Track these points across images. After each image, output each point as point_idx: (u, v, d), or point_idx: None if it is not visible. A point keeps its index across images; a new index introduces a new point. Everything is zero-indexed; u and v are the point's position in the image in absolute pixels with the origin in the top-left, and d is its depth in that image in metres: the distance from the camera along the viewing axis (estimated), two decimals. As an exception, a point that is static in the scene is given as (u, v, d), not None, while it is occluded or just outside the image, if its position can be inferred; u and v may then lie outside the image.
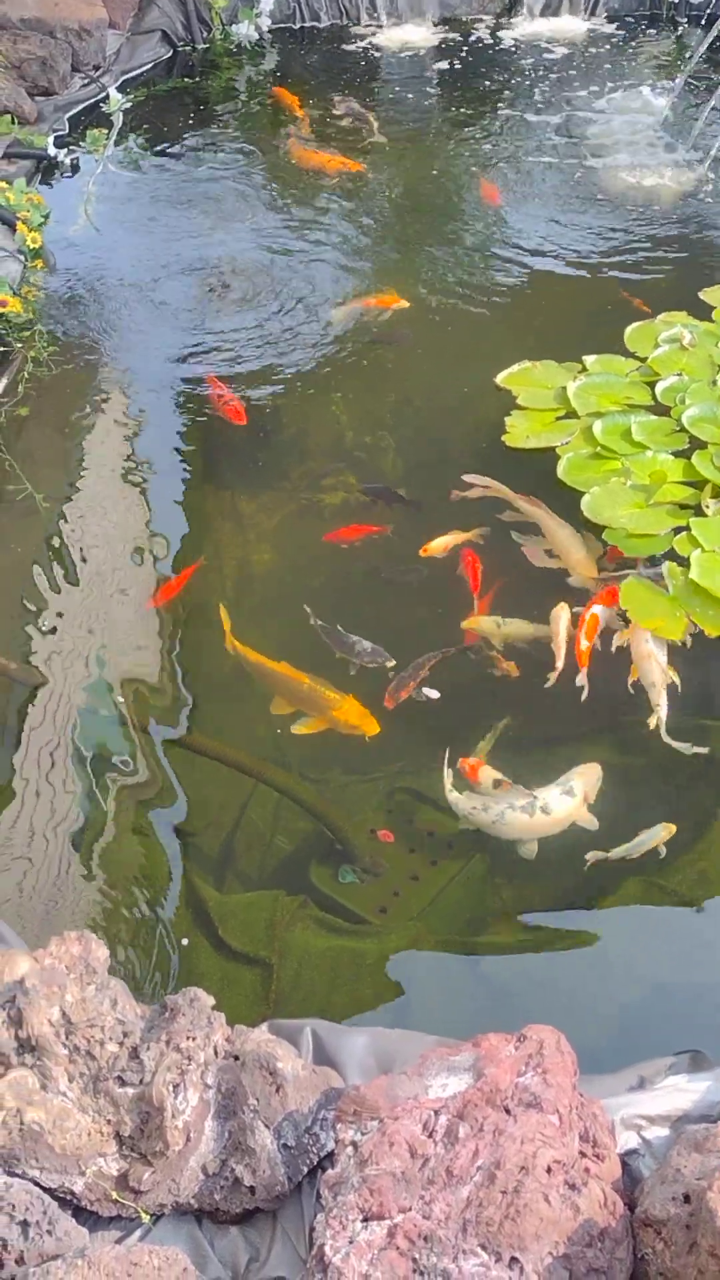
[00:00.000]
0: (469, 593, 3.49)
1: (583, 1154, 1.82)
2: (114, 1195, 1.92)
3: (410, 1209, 1.71)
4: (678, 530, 3.60)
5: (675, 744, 3.02)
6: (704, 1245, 1.67)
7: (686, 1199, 1.75)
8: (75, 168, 5.94)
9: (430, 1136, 1.79)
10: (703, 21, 7.07)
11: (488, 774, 3.01)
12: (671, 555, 3.53)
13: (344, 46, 7.25)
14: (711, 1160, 1.76)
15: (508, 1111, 1.80)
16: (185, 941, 2.71)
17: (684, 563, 3.48)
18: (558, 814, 2.87)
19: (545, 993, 2.62)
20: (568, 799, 2.90)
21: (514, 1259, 1.67)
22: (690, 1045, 2.22)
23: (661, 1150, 1.94)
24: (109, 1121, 1.93)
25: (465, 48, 7.18)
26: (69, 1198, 1.93)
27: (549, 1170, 1.75)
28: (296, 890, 2.81)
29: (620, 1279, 1.74)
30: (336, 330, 4.68)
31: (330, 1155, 1.93)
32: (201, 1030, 1.98)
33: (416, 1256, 1.67)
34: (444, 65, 7.00)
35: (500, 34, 7.30)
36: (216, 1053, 2.00)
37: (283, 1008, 2.57)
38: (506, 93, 6.61)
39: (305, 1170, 1.94)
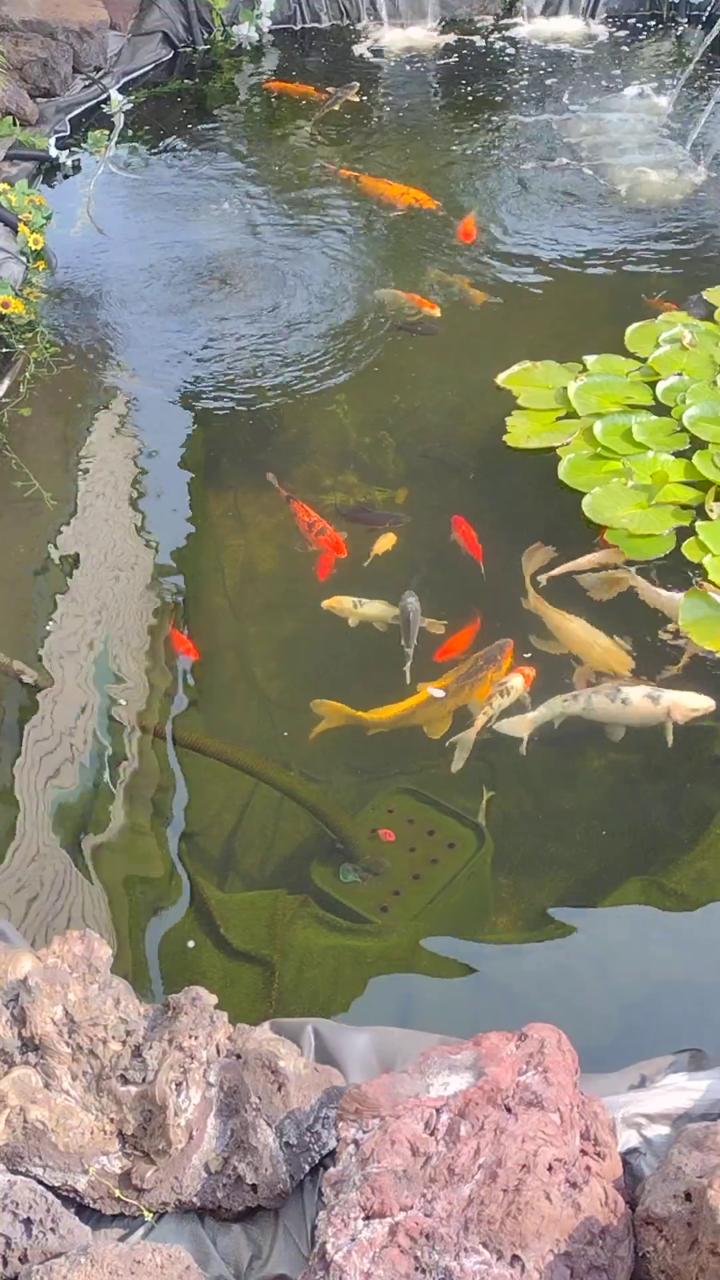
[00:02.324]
0: (474, 563, 3.53)
1: (584, 1152, 1.82)
2: (117, 1193, 1.93)
3: (412, 1207, 1.72)
4: (680, 530, 3.60)
5: None
6: (705, 1243, 1.68)
7: (688, 1197, 1.75)
8: (77, 169, 5.95)
9: (432, 1135, 1.80)
10: (703, 21, 7.07)
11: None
12: (675, 556, 3.53)
13: (345, 47, 7.26)
14: (712, 1158, 1.77)
15: (509, 1110, 1.81)
16: (191, 944, 2.72)
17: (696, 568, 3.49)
18: (637, 706, 3.08)
19: (546, 991, 2.62)
20: (649, 702, 3.05)
21: (515, 1257, 1.68)
22: (691, 1044, 2.22)
23: (662, 1148, 1.94)
24: (112, 1120, 1.94)
25: (466, 48, 7.18)
26: (72, 1196, 1.94)
27: (550, 1168, 1.75)
28: (298, 889, 2.82)
29: (621, 1277, 1.75)
30: (373, 312, 4.72)
31: (332, 1153, 1.94)
32: (204, 1029, 1.99)
33: (418, 1254, 1.68)
34: (445, 66, 7.01)
35: (500, 34, 7.30)
36: (219, 1051, 2.01)
37: (284, 1007, 2.57)
38: (507, 93, 6.62)
39: (307, 1168, 1.95)
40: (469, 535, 3.65)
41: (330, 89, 6.53)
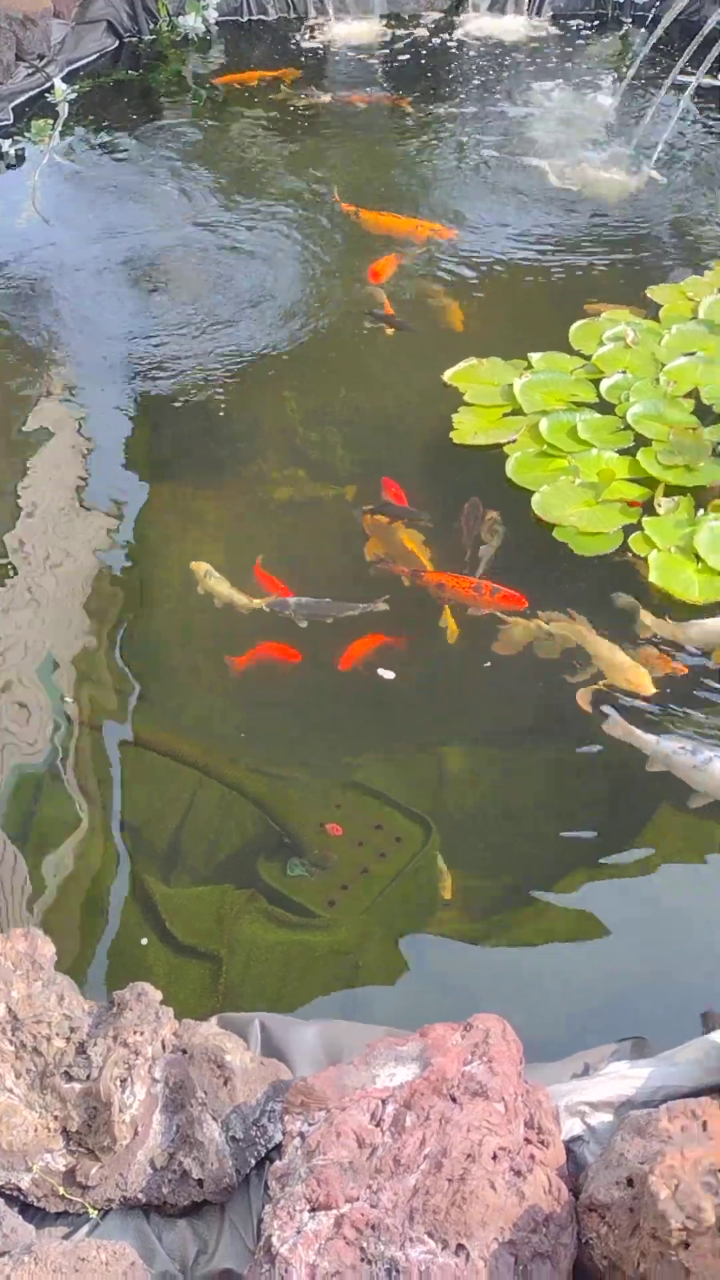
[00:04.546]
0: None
1: (528, 1141, 1.84)
2: (61, 1191, 1.91)
3: (358, 1198, 1.72)
4: (627, 528, 3.63)
5: None
6: (646, 1228, 1.70)
7: (629, 1183, 1.78)
8: (20, 159, 5.88)
9: (377, 1126, 1.80)
10: (647, 22, 7.15)
11: None
12: (625, 553, 3.56)
13: (291, 40, 7.24)
14: (654, 1145, 1.79)
15: (454, 1100, 1.82)
16: (144, 941, 2.70)
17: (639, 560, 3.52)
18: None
19: (492, 983, 2.64)
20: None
21: (460, 1246, 1.69)
22: (633, 1032, 2.25)
23: (605, 1136, 1.97)
24: (56, 1117, 1.93)
25: (411, 44, 7.20)
26: (15, 1194, 1.92)
27: (494, 1157, 1.77)
28: (245, 884, 2.82)
29: (565, 1263, 1.77)
30: (321, 305, 4.74)
31: (278, 1147, 1.94)
32: (149, 1025, 1.98)
33: (364, 1245, 1.68)
34: (390, 61, 7.02)
35: (446, 31, 7.33)
36: (164, 1047, 2.00)
37: (232, 1002, 2.57)
38: (453, 90, 6.64)
39: (253, 1162, 1.95)
40: (399, 497, 3.68)
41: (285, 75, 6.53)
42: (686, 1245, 1.64)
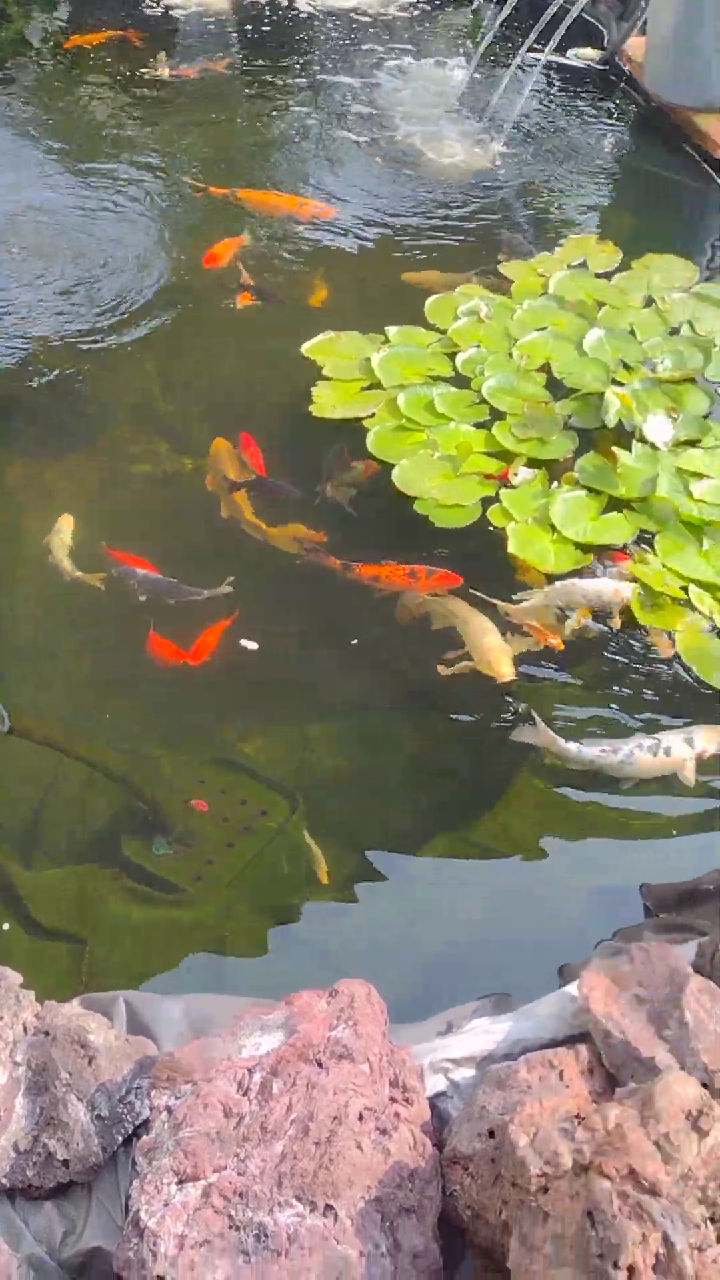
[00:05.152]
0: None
1: (393, 1099, 1.88)
2: None
3: (225, 1167, 1.74)
4: (485, 500, 3.69)
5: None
6: (507, 1176, 1.76)
7: (491, 1134, 1.83)
8: None
9: (244, 1095, 1.82)
10: (498, -2, 7.22)
11: None
12: (483, 525, 3.61)
13: (140, 2, 7.08)
14: (513, 1095, 1.85)
15: (320, 1064, 1.85)
16: (5, 927, 2.64)
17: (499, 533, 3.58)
18: (676, 757, 2.96)
19: (359, 949, 2.68)
20: (686, 747, 2.98)
21: (328, 1206, 1.72)
22: (496, 989, 2.32)
23: (468, 1090, 2.02)
24: None
25: (265, 11, 7.11)
26: None
27: (360, 1118, 1.80)
28: (108, 863, 2.79)
29: (430, 1216, 1.81)
30: (177, 275, 4.67)
31: (146, 1123, 1.93)
32: (9, 1009, 1.95)
33: (232, 1213, 1.70)
34: (242, 27, 6.92)
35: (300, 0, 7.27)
36: (26, 1030, 1.97)
37: (97, 983, 2.53)
38: (306, 60, 6.59)
39: (120, 1139, 1.94)
40: (255, 455, 3.70)
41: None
42: (545, 1190, 1.70)
